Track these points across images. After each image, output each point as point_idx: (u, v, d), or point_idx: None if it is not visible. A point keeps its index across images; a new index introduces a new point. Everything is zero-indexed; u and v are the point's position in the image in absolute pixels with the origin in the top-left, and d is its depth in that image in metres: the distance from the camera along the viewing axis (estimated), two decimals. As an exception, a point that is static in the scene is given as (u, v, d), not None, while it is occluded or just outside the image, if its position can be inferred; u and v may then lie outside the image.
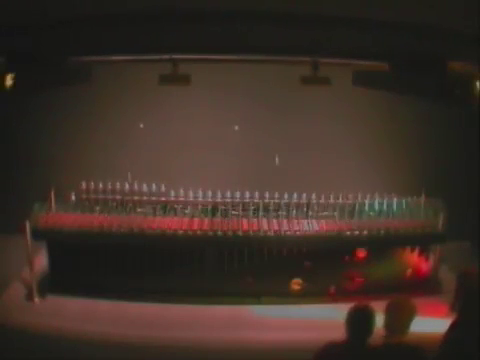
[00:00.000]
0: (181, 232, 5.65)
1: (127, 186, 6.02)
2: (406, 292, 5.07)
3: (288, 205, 5.95)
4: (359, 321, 3.16)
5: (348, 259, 5.84)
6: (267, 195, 5.98)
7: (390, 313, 3.25)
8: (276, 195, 6.01)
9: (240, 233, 5.66)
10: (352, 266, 5.85)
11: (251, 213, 5.84)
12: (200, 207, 5.99)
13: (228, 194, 6.02)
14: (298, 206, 5.97)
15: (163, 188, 6.06)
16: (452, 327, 3.37)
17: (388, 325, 3.23)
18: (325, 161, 7.18)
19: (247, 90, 6.94)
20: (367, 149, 7.12)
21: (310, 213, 5.94)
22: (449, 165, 6.87)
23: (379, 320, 3.19)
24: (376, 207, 6.07)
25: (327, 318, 5.24)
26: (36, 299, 5.69)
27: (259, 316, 5.51)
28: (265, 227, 5.73)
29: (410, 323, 3.22)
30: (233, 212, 5.86)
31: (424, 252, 6.03)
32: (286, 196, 6.01)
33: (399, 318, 3.22)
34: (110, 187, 6.02)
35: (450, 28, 4.28)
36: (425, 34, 4.45)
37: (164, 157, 7.02)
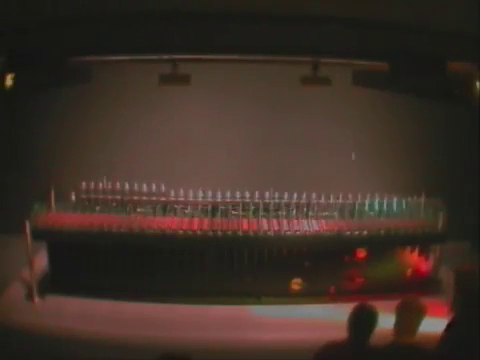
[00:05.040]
0: (181, 232, 5.65)
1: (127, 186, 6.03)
2: (406, 292, 5.07)
3: (288, 205, 5.95)
4: (362, 320, 3.16)
5: (348, 259, 5.84)
6: (267, 195, 5.98)
7: (400, 313, 3.25)
8: (276, 195, 6.01)
9: (240, 233, 5.66)
10: (352, 266, 5.84)
11: (251, 213, 5.83)
12: (200, 207, 5.99)
13: (228, 194, 6.02)
14: (298, 206, 5.97)
15: (163, 188, 6.06)
16: (450, 326, 3.37)
17: (398, 325, 3.23)
18: (325, 161, 7.18)
19: (247, 90, 6.94)
20: (367, 149, 7.12)
21: (310, 213, 5.94)
22: (449, 165, 6.87)
23: (382, 320, 3.19)
24: (376, 207, 6.07)
25: (327, 318, 5.25)
26: (36, 299, 5.69)
27: (259, 316, 5.51)
28: (265, 227, 5.73)
29: (420, 324, 3.22)
30: (233, 212, 5.86)
31: (424, 252, 6.03)
32: (286, 196, 6.01)
33: (409, 319, 3.22)
34: (110, 187, 6.03)
35: (450, 28, 4.28)
36: (425, 34, 4.45)
37: (164, 157, 7.02)
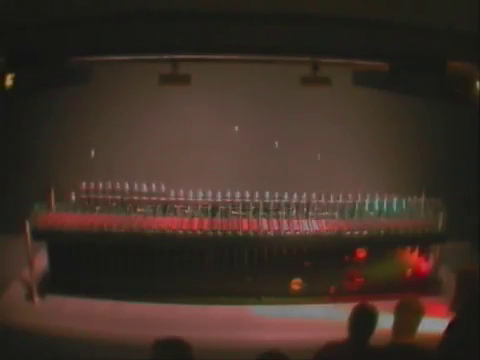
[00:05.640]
0: (181, 232, 5.65)
1: (127, 186, 6.04)
2: (406, 292, 5.08)
3: (288, 205, 5.95)
4: (362, 320, 3.16)
5: (348, 259, 5.84)
6: (267, 195, 5.98)
7: (399, 314, 3.25)
8: (276, 195, 6.01)
9: (240, 233, 5.66)
10: (352, 266, 5.84)
11: (251, 213, 5.84)
12: (200, 207, 5.99)
13: (228, 194, 6.02)
14: (298, 206, 5.97)
15: (163, 188, 6.06)
16: (450, 326, 3.37)
17: (397, 326, 3.23)
18: (325, 161, 7.18)
19: (247, 90, 6.94)
20: (367, 149, 7.12)
21: (310, 213, 5.94)
22: (449, 165, 6.87)
23: (382, 320, 3.19)
24: (376, 207, 6.08)
25: (327, 318, 5.25)
26: (36, 299, 5.69)
27: (259, 316, 5.51)
28: (265, 227, 5.73)
29: (418, 324, 3.22)
30: (233, 212, 5.86)
31: (424, 252, 6.03)
32: (286, 196, 6.01)
33: (408, 319, 3.22)
34: (110, 187, 6.03)
35: (450, 28, 4.28)
36: (425, 34, 4.45)
37: (164, 157, 7.02)
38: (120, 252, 5.68)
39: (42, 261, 5.93)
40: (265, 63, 5.80)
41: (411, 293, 4.73)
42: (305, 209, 5.96)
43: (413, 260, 6.01)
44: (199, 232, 5.67)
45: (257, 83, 6.85)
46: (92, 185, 6.03)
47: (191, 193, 6.04)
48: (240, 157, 7.10)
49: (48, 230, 5.68)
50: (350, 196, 6.07)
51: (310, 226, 5.80)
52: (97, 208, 5.96)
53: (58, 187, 6.05)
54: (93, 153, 6.98)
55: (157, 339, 2.80)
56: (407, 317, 3.22)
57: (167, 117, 7.07)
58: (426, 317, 3.29)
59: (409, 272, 5.97)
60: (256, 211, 5.84)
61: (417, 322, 3.22)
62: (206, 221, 5.81)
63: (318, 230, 5.76)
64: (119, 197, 6.02)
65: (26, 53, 4.64)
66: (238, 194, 6.01)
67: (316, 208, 5.97)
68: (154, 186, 6.06)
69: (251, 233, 5.67)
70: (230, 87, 6.89)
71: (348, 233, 5.72)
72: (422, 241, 5.94)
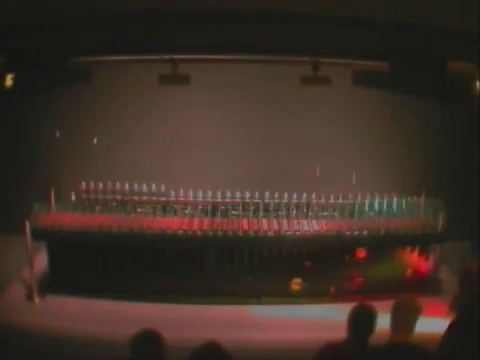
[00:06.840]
0: (181, 232, 5.65)
1: (127, 186, 6.04)
2: (406, 292, 5.08)
3: (288, 205, 5.95)
4: (362, 320, 3.16)
5: (348, 259, 5.84)
6: (267, 195, 5.98)
7: (396, 313, 3.25)
8: (276, 195, 6.01)
9: (240, 233, 5.66)
10: (352, 266, 5.84)
11: (251, 213, 5.84)
12: (200, 207, 5.99)
13: (228, 194, 6.02)
14: (298, 206, 5.97)
15: (163, 188, 6.06)
16: (451, 326, 3.37)
17: (394, 325, 3.23)
18: (325, 161, 7.17)
19: (247, 90, 6.94)
20: (367, 149, 7.12)
21: (310, 213, 5.94)
22: (449, 165, 6.87)
23: (381, 320, 3.19)
24: (376, 207, 6.08)
25: (327, 318, 5.24)
26: (36, 299, 5.69)
27: (259, 316, 5.51)
28: (265, 227, 5.73)
29: (415, 323, 3.22)
30: (233, 212, 5.86)
31: (424, 252, 6.03)
32: (286, 196, 6.01)
33: (405, 318, 3.22)
34: (110, 187, 6.03)
35: (450, 28, 4.28)
36: (425, 34, 4.45)
37: (164, 157, 7.02)
38: (120, 252, 5.68)
39: (42, 261, 5.93)
40: (265, 63, 5.80)
41: (411, 293, 4.72)
42: (305, 209, 5.96)
43: (413, 260, 6.01)
44: (199, 232, 5.66)
45: (257, 83, 6.85)
46: (92, 185, 6.03)
47: (191, 193, 6.04)
48: (240, 157, 7.10)
49: (48, 230, 5.68)
50: (350, 196, 6.07)
51: (310, 226, 5.80)
52: (97, 208, 5.97)
53: (58, 187, 6.05)
54: (95, 141, 6.92)
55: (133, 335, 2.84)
56: (404, 316, 3.23)
57: (167, 117, 7.08)
58: (425, 316, 3.30)
59: (409, 272, 5.97)
60: (256, 211, 5.84)
61: (414, 321, 3.22)
62: (206, 221, 5.81)
63: (318, 230, 5.76)
64: (119, 197, 6.02)
65: (26, 53, 4.64)
66: (238, 194, 6.01)
67: (316, 208, 5.98)
68: (154, 186, 6.06)
69: (251, 233, 5.67)
70: (230, 87, 6.89)
71: (348, 233, 5.72)
72: (422, 241, 5.94)
